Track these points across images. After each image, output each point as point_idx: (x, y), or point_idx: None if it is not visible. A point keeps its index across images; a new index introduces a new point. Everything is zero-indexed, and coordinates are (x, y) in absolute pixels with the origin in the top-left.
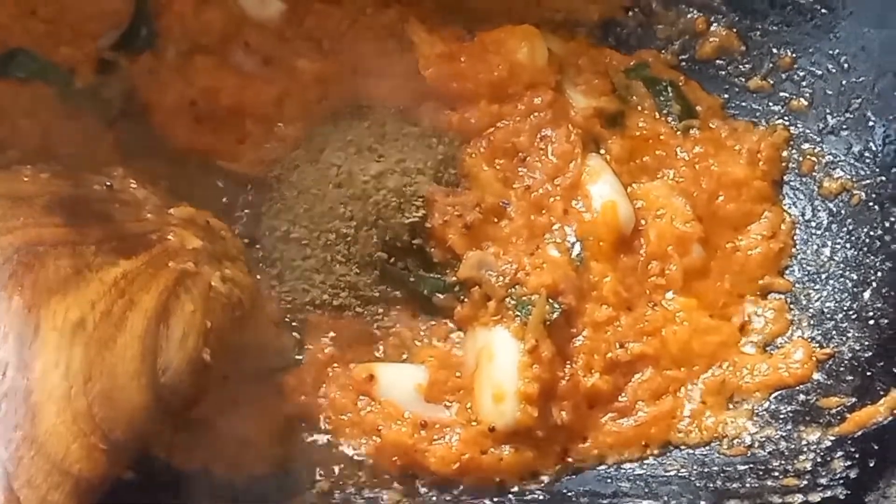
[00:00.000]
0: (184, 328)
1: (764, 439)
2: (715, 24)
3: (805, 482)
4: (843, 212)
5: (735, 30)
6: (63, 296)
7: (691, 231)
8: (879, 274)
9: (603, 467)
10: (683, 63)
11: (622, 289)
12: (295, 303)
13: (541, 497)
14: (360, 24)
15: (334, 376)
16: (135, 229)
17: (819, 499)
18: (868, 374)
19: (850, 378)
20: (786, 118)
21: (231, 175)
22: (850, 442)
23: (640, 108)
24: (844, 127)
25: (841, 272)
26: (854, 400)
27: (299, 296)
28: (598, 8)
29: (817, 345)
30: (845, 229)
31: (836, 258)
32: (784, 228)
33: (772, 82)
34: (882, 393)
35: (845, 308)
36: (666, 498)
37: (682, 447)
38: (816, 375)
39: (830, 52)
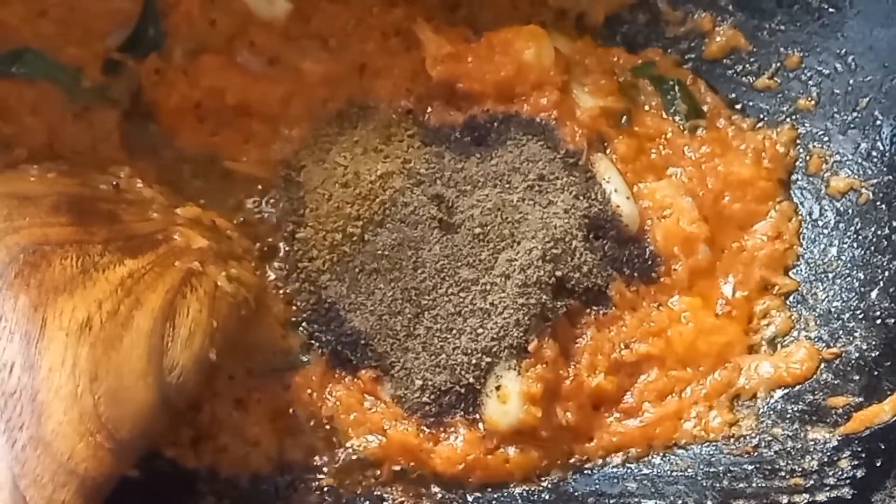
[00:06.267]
0: (190, 327)
1: (770, 439)
2: (722, 24)
3: (812, 482)
4: (850, 211)
5: (742, 29)
6: (69, 295)
7: (698, 231)
8: (887, 273)
9: (609, 467)
10: (690, 62)
11: (627, 289)
12: (301, 303)
13: (547, 497)
14: (367, 24)
15: (340, 376)
16: (141, 229)
17: (825, 498)
18: (875, 373)
19: (856, 377)
20: (793, 117)
21: (237, 175)
22: (856, 441)
23: (646, 107)
24: (852, 126)
25: (848, 271)
26: (861, 399)
27: (306, 296)
28: (604, 7)
29: (824, 344)
30: (852, 228)
31: (844, 257)
32: (790, 228)
33: (779, 81)
34: (889, 392)
35: (852, 307)
36: (672, 498)
37: (689, 447)
38: (823, 375)
39: (838, 51)
